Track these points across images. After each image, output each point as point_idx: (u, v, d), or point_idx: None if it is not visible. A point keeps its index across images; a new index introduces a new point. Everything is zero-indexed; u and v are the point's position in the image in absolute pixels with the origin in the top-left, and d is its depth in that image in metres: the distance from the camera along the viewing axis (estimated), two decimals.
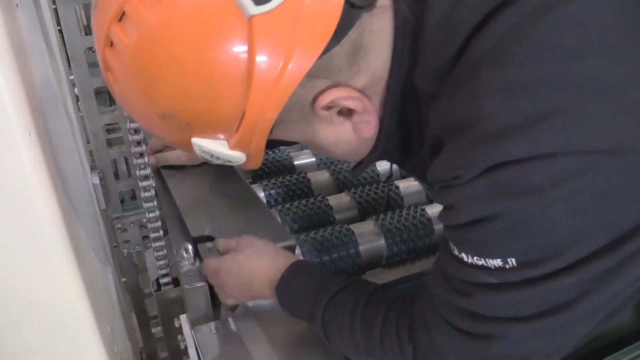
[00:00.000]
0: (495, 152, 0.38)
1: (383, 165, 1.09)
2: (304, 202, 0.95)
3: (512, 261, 0.41)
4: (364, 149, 0.55)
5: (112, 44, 0.43)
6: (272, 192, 1.00)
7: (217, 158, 0.48)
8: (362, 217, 0.97)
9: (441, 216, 0.46)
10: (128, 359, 0.84)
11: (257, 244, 0.69)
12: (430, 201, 1.02)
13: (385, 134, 0.52)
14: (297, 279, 0.63)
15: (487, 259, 0.42)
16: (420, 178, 0.80)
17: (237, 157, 0.47)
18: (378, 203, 0.98)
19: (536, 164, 0.37)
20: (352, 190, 1.00)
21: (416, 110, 0.49)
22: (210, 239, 0.74)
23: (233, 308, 0.73)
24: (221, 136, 0.46)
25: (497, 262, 0.41)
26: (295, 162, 1.14)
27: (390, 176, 0.96)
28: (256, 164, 0.50)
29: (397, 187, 1.01)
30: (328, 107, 0.47)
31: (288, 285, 0.63)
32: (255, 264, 0.66)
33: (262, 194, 1.00)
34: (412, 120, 0.51)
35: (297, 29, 0.40)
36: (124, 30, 0.41)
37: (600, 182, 0.37)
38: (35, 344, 0.52)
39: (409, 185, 1.02)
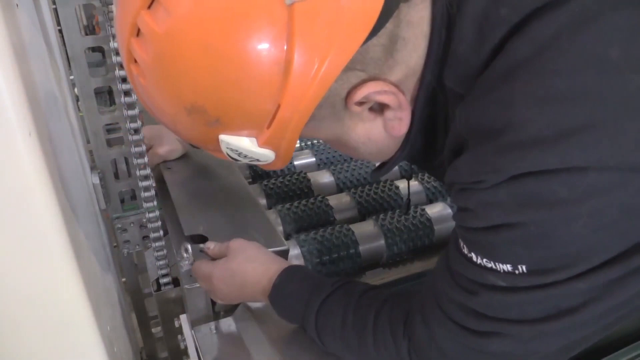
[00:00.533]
0: (524, 161, 0.37)
1: None
2: (304, 202, 0.95)
3: (522, 268, 0.40)
4: (392, 148, 0.53)
5: (139, 33, 0.41)
6: (272, 192, 1.00)
7: (245, 156, 0.45)
8: (362, 217, 0.97)
9: (456, 217, 0.45)
10: (128, 359, 0.84)
11: (249, 251, 0.68)
12: (430, 201, 1.02)
13: (415, 132, 0.50)
14: (289, 285, 0.62)
15: (497, 263, 0.41)
16: (440, 179, 0.77)
17: (266, 155, 0.45)
18: (378, 203, 0.98)
19: (564, 176, 0.36)
20: (352, 190, 1.00)
21: (444, 108, 0.48)
22: (203, 239, 0.74)
23: (227, 309, 0.73)
24: (250, 133, 0.43)
25: (507, 267, 0.41)
26: (295, 162, 1.14)
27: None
28: (283, 163, 0.47)
29: (397, 187, 1.01)
30: (360, 103, 0.45)
31: (280, 292, 0.62)
32: (248, 271, 0.65)
33: (262, 194, 1.00)
34: (439, 119, 0.50)
35: (339, 18, 0.38)
36: (154, 18, 0.39)
37: (626, 198, 0.36)
38: (35, 344, 0.52)
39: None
